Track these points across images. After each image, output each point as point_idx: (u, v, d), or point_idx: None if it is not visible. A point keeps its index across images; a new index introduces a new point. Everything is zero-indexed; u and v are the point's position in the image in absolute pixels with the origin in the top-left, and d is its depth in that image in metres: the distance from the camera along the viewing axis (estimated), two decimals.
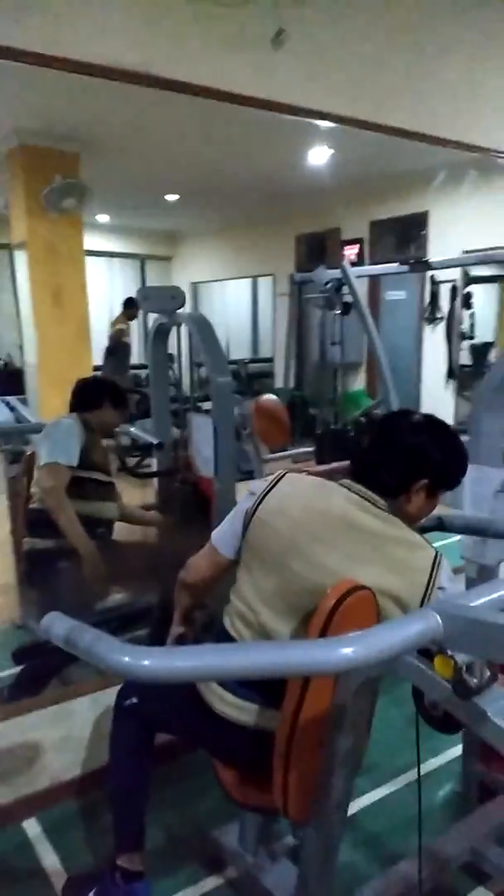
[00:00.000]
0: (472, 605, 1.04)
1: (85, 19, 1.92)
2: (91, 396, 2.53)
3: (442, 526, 1.75)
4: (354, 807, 2.06)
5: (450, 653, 1.08)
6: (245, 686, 1.47)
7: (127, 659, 0.92)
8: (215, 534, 1.61)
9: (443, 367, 6.75)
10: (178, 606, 1.75)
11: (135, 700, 1.62)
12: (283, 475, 1.53)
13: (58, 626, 1.02)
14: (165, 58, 2.07)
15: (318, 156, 5.59)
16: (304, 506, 1.45)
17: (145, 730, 1.63)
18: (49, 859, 1.86)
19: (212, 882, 1.77)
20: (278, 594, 1.44)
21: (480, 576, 2.02)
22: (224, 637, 1.52)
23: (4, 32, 1.79)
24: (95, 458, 2.48)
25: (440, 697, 1.13)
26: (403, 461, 1.43)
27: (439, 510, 1.61)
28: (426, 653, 1.15)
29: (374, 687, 1.41)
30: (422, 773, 2.18)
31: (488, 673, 1.10)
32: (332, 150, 5.41)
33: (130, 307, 6.80)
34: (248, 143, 5.08)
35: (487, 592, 1.09)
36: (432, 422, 1.48)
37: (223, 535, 1.59)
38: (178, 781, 2.09)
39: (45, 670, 2.33)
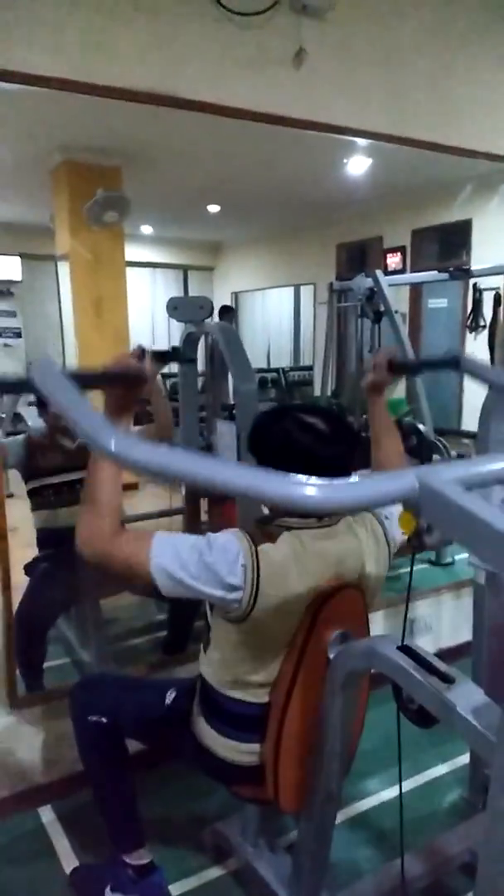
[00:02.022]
0: (455, 485, 0.91)
1: (110, 46, 2.01)
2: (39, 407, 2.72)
3: None
4: (363, 806, 2.09)
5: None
6: (251, 731, 1.45)
7: (113, 444, 0.86)
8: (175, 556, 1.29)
9: None
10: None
11: (103, 719, 1.61)
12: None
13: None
14: (188, 80, 2.14)
15: (358, 166, 5.63)
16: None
17: (118, 738, 1.65)
18: (61, 845, 1.94)
19: (215, 871, 1.84)
20: None
21: (489, 582, 2.03)
22: (228, 702, 1.46)
23: (37, 62, 1.90)
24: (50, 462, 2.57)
25: (414, 691, 1.17)
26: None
27: None
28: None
29: (362, 681, 1.46)
30: (431, 777, 2.22)
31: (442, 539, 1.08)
32: (370, 160, 5.45)
33: (227, 314, 6.90)
34: (287, 154, 5.14)
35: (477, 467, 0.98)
36: (335, 425, 1.41)
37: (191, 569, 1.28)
38: (187, 777, 2.15)
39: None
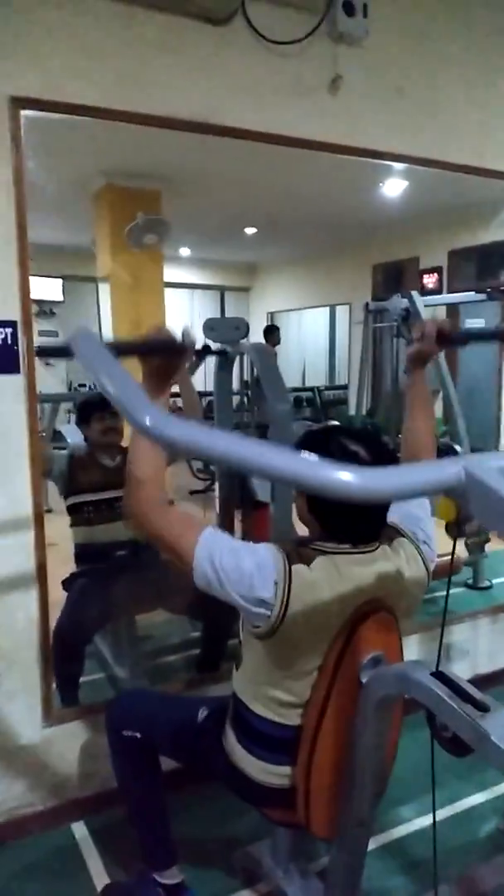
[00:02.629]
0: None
1: (149, 76, 2.07)
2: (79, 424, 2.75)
3: None
4: (396, 834, 2.06)
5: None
6: (282, 753, 1.44)
7: (148, 419, 0.83)
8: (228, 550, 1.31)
9: None
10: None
11: (137, 735, 1.63)
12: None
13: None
14: (225, 107, 2.18)
15: (394, 188, 5.65)
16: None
17: (151, 754, 1.66)
18: (93, 861, 1.95)
19: (244, 895, 1.82)
20: None
21: None
22: (259, 722, 1.45)
23: (78, 92, 1.96)
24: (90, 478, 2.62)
25: (448, 719, 1.16)
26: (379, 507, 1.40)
27: None
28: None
29: (395, 706, 1.44)
30: (467, 806, 2.18)
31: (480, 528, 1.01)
32: (406, 182, 5.46)
33: (271, 334, 6.99)
34: (324, 177, 5.18)
35: None
36: (370, 440, 1.40)
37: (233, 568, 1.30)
38: (218, 798, 2.14)
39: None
